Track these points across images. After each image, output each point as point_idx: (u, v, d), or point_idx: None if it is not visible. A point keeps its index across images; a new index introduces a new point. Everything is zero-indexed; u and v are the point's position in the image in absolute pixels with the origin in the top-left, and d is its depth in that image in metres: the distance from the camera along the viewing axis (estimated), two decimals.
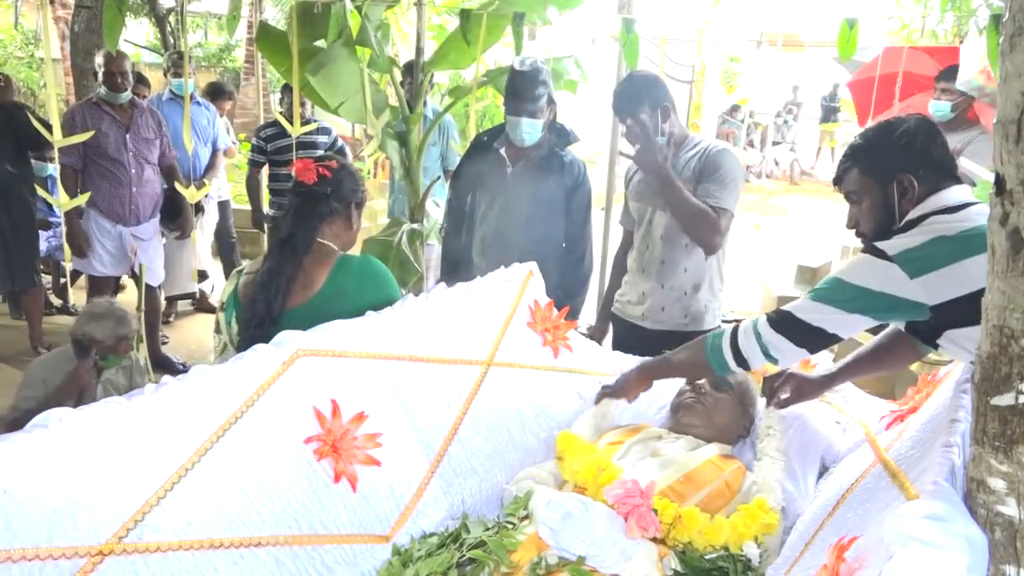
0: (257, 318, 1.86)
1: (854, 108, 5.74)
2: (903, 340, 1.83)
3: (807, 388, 2.02)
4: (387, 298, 1.93)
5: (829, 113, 14.12)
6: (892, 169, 1.62)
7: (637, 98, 2.47)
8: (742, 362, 1.72)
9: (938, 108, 3.66)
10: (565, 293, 2.79)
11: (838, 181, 1.75)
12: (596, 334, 2.88)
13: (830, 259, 5.76)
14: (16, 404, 2.85)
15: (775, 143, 13.72)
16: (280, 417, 1.49)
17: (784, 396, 2.01)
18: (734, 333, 1.73)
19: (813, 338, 1.62)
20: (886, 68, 4.95)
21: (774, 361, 1.69)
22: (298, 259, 1.90)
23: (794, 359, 1.74)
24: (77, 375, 2.82)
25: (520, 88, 2.71)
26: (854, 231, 1.73)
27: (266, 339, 1.70)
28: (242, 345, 1.80)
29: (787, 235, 8.79)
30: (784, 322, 1.65)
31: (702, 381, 2.03)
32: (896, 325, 1.80)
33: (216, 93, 5.39)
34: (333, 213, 1.95)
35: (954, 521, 0.93)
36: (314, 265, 1.92)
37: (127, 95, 4.02)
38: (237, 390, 1.45)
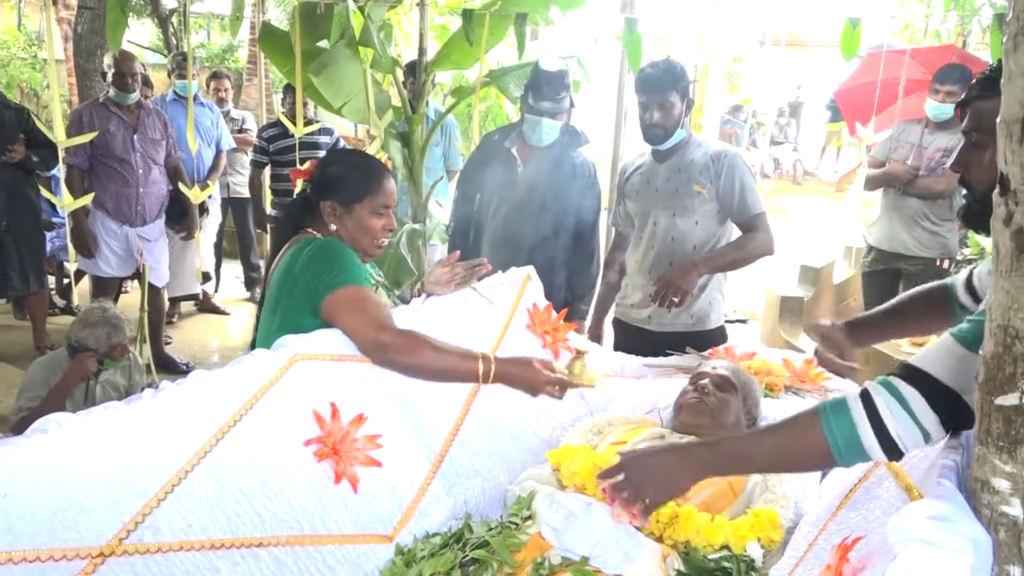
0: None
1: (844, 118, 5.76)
2: (932, 304, 1.56)
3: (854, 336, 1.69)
4: (320, 276, 1.78)
5: (836, 113, 14.05)
6: None
7: (671, 82, 2.47)
8: (892, 449, 1.15)
9: (939, 109, 3.59)
10: (574, 294, 2.79)
11: (968, 103, 1.24)
12: (591, 336, 2.87)
13: (833, 259, 5.74)
14: (21, 405, 2.87)
15: (776, 143, 13.68)
16: (279, 420, 1.49)
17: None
18: (875, 416, 1.15)
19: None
20: (868, 76, 5.01)
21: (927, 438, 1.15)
22: (275, 253, 1.94)
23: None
24: (80, 364, 2.86)
25: (545, 88, 2.68)
26: (958, 176, 1.29)
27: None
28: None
29: (790, 235, 8.77)
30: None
31: (705, 381, 2.02)
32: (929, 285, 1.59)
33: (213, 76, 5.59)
34: (312, 210, 1.93)
35: (958, 521, 0.93)
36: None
37: (135, 96, 4.03)
38: (236, 394, 1.46)
